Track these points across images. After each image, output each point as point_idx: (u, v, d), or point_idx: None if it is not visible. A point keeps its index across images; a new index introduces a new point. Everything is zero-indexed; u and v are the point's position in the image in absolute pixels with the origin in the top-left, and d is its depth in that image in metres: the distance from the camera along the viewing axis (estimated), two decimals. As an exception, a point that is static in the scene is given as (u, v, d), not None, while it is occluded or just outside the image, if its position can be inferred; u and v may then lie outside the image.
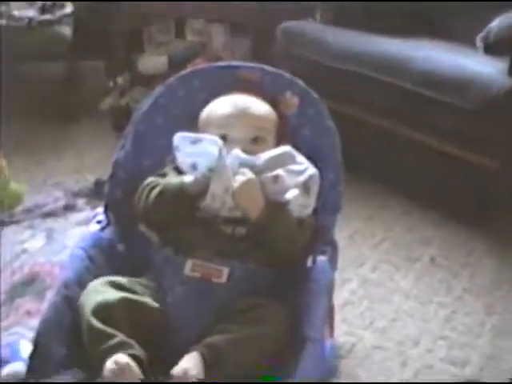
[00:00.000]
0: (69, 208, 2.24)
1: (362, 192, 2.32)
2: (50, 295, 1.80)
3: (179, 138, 1.35)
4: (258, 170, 1.35)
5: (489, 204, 2.26)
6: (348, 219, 2.05)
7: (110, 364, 1.13)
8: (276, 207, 1.34)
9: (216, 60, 2.70)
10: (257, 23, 2.82)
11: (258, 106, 1.50)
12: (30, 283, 1.81)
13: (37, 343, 1.24)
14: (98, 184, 2.34)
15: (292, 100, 1.58)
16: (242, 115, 1.46)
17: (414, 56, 2.29)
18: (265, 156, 1.38)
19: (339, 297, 1.75)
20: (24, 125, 2.73)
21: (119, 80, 2.73)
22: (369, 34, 2.50)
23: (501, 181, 2.22)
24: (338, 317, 1.62)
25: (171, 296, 1.31)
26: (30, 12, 2.73)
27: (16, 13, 2.68)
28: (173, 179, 1.40)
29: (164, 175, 1.46)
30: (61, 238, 2.05)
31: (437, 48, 2.43)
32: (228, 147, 1.36)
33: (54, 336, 1.24)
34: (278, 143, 1.50)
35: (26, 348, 1.39)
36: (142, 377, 1.14)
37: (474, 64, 2.22)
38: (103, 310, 1.22)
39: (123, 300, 1.24)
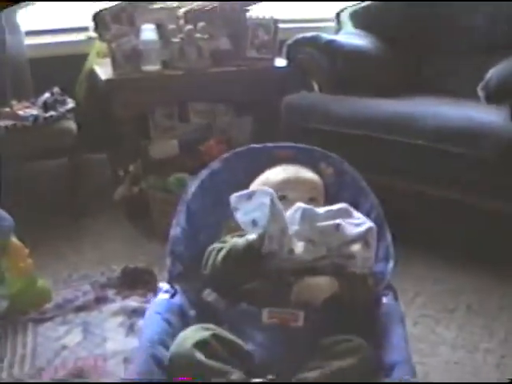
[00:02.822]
0: (100, 300, 2.21)
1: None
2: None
3: (235, 199, 1.44)
4: (319, 219, 1.43)
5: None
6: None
7: None
8: (350, 285, 1.44)
9: (226, 140, 2.77)
10: (258, 101, 2.88)
11: (307, 172, 1.64)
12: (75, 379, 1.79)
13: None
14: (126, 272, 2.34)
15: (327, 170, 1.69)
16: (297, 179, 1.60)
17: (421, 113, 2.37)
18: (324, 208, 1.47)
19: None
20: (38, 222, 2.71)
21: (131, 168, 2.74)
22: (370, 98, 2.59)
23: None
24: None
25: (252, 344, 1.37)
26: (34, 110, 2.77)
27: (21, 112, 2.72)
28: (237, 240, 1.47)
29: (225, 242, 1.53)
30: (98, 331, 2.04)
31: (439, 103, 2.53)
32: (288, 205, 1.46)
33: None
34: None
35: None
36: None
37: (480, 114, 2.30)
38: (203, 347, 1.29)
39: (217, 336, 1.32)
